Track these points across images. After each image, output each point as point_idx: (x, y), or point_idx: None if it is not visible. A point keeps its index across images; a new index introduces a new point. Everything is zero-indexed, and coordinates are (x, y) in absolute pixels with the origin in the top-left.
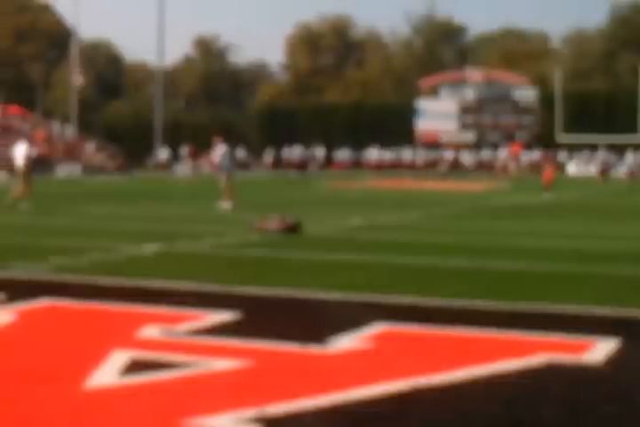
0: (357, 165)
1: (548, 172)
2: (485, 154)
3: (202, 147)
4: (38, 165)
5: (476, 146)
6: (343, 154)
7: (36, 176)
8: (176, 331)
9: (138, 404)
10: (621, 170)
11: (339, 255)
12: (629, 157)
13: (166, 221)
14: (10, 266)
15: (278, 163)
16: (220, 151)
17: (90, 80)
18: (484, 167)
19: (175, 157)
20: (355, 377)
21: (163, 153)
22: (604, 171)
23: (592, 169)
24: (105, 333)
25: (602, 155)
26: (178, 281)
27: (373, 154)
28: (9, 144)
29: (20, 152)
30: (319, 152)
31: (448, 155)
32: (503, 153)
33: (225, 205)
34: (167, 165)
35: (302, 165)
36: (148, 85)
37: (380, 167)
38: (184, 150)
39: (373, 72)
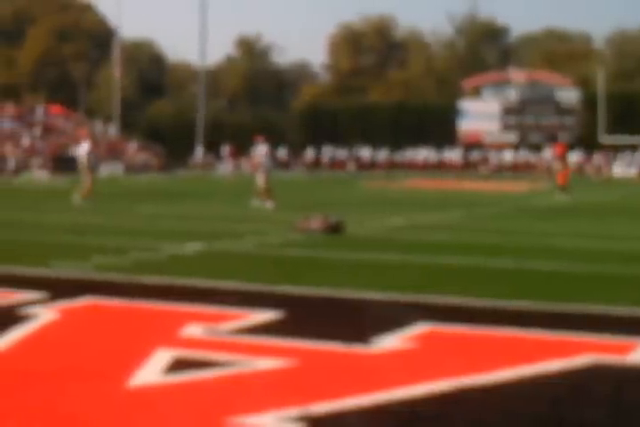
0: (399, 165)
1: (563, 173)
2: (527, 154)
3: (243, 146)
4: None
5: (518, 147)
6: (385, 154)
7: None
8: (219, 330)
9: (181, 402)
10: None
11: (381, 255)
12: None
13: (208, 220)
14: (53, 264)
15: (319, 163)
16: (261, 151)
17: (132, 79)
18: (526, 168)
19: (214, 157)
20: (398, 377)
21: (199, 153)
22: None
23: (633, 170)
24: (148, 331)
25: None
26: (220, 280)
27: (415, 154)
28: (52, 143)
29: (84, 152)
30: (364, 152)
31: (492, 155)
32: (547, 153)
33: (268, 204)
34: (204, 165)
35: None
36: (191, 85)
37: (422, 167)
38: (225, 150)
39: (416, 72)
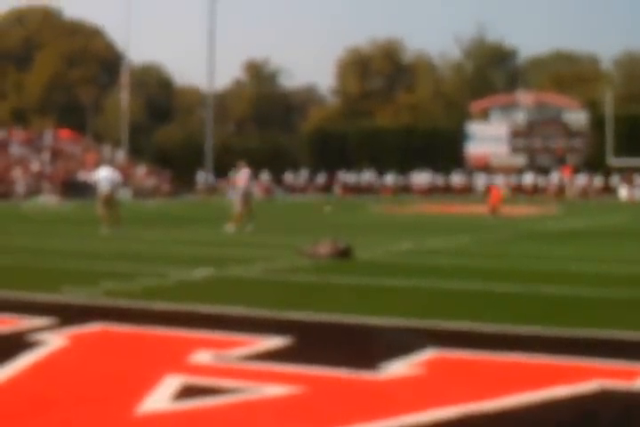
0: (407, 189)
1: (495, 195)
2: (534, 178)
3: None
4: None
5: (526, 170)
6: (393, 178)
7: (86, 199)
8: (227, 356)
9: None
10: None
11: (390, 280)
12: None
13: (216, 245)
14: (62, 290)
15: (330, 187)
16: (243, 175)
17: (140, 104)
18: (534, 191)
19: (223, 182)
20: (406, 403)
21: (201, 178)
22: None
23: (637, 193)
24: (157, 358)
25: None
26: (229, 306)
27: (424, 178)
28: (61, 168)
29: (105, 177)
30: (389, 178)
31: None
32: (555, 177)
33: (229, 228)
34: (208, 190)
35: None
36: (199, 109)
37: (431, 191)
38: (234, 175)
39: (424, 96)
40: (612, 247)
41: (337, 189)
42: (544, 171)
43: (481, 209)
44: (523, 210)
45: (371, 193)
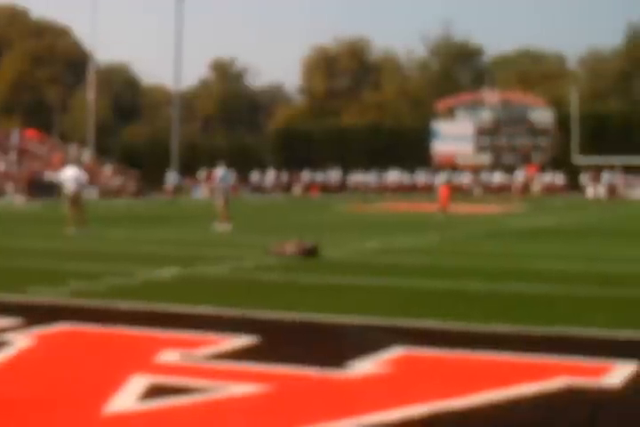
0: (374, 187)
1: (444, 193)
2: (500, 176)
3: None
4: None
5: (492, 168)
6: (359, 176)
7: (52, 200)
8: (195, 355)
9: None
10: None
11: (356, 279)
12: None
13: (183, 244)
14: (28, 290)
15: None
16: (216, 174)
17: (107, 103)
18: (499, 189)
19: (189, 181)
20: (374, 402)
21: (170, 178)
22: (612, 192)
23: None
24: (123, 357)
25: (608, 177)
26: (196, 305)
27: (390, 176)
28: (27, 168)
29: (71, 177)
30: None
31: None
32: (520, 175)
33: (219, 227)
34: (177, 190)
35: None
36: (165, 109)
37: (397, 190)
38: (202, 174)
39: (390, 94)
40: (578, 245)
41: (297, 189)
42: (509, 169)
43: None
44: (489, 208)
45: (340, 192)
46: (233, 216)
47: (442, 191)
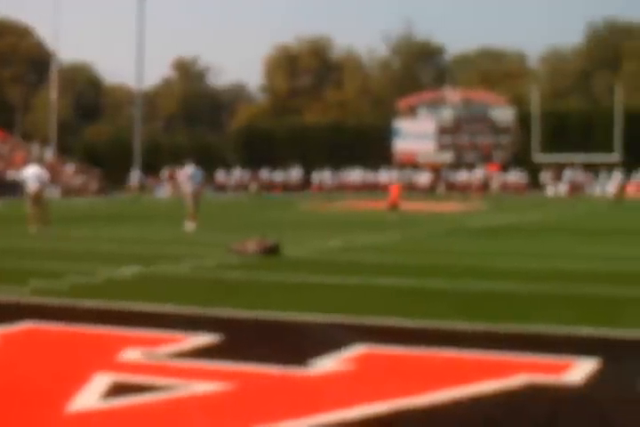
0: (336, 186)
1: (394, 192)
2: (462, 174)
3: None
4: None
5: (454, 166)
6: (321, 175)
7: (16, 198)
8: (157, 354)
9: None
10: (604, 188)
11: (318, 277)
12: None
13: (145, 243)
14: None
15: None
16: (187, 171)
17: (69, 102)
18: (460, 188)
19: (152, 180)
20: (336, 399)
21: (134, 177)
22: (574, 190)
23: (562, 189)
24: (86, 356)
25: (570, 174)
26: (158, 304)
27: (351, 175)
28: None
29: (33, 176)
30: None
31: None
32: (479, 173)
33: (190, 226)
34: (140, 188)
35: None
36: (128, 108)
37: (359, 188)
38: (165, 173)
39: (352, 93)
40: (539, 243)
41: (252, 187)
42: (471, 167)
43: (410, 206)
44: (451, 206)
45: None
46: (197, 215)
47: (392, 190)
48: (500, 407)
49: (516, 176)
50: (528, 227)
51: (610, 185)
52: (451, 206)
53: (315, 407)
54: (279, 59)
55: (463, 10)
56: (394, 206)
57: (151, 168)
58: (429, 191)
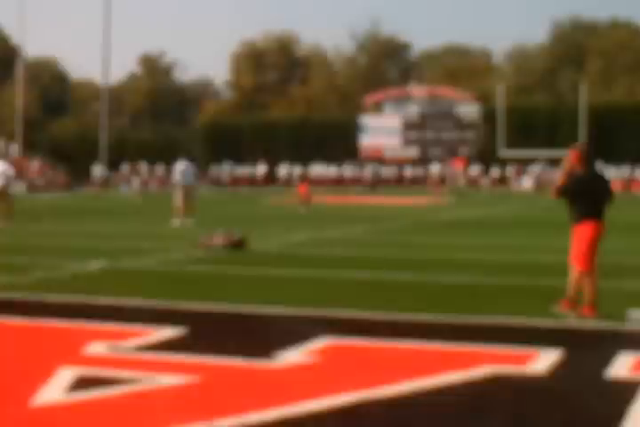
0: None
1: (302, 187)
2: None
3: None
4: None
5: (420, 162)
6: (286, 170)
7: None
8: (122, 347)
9: (84, 421)
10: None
11: (283, 271)
12: None
13: (111, 237)
14: None
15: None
16: (179, 167)
17: (35, 98)
18: (424, 182)
19: (117, 175)
20: (301, 391)
21: (97, 171)
22: (540, 185)
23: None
24: (51, 350)
25: (536, 169)
26: (123, 297)
27: (317, 170)
28: None
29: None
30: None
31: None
32: (436, 168)
33: (176, 222)
34: (103, 183)
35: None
36: (94, 103)
37: (324, 183)
38: (126, 168)
39: (318, 89)
40: (504, 236)
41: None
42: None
43: (375, 200)
44: (417, 200)
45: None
46: (160, 210)
47: (300, 188)
48: (465, 398)
49: (481, 171)
50: (494, 221)
51: None
52: (418, 200)
53: (279, 400)
54: (246, 55)
55: (429, 7)
56: (306, 202)
57: (117, 164)
58: (370, 187)
